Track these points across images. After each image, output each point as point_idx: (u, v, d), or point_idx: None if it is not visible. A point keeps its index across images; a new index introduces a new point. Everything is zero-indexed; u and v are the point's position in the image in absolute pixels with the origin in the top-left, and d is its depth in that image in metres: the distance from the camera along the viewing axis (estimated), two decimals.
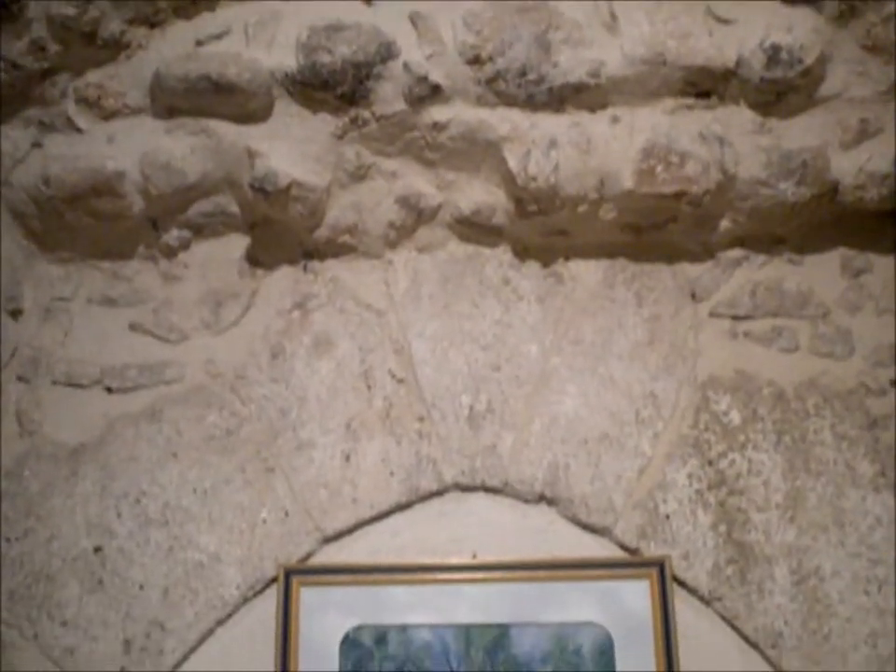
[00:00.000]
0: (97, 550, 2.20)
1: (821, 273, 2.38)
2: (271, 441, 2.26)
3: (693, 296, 2.36)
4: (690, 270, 2.38)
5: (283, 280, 2.38)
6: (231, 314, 2.35)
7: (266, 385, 2.30)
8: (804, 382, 2.30)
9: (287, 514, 2.21)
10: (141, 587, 2.18)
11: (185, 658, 2.15)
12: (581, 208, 2.26)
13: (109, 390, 2.31)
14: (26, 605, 2.16)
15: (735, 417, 2.27)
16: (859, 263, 2.38)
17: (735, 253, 2.38)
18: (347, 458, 2.24)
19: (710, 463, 2.24)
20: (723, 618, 2.16)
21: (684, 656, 2.12)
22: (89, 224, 2.34)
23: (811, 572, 2.17)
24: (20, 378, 2.33)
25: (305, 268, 2.38)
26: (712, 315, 2.35)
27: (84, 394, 2.32)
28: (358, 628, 2.14)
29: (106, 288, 2.38)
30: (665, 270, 2.37)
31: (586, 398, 2.28)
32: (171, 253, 2.38)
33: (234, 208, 2.34)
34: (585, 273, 2.37)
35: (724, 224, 2.33)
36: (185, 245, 2.39)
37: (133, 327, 2.36)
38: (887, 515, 2.20)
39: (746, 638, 2.15)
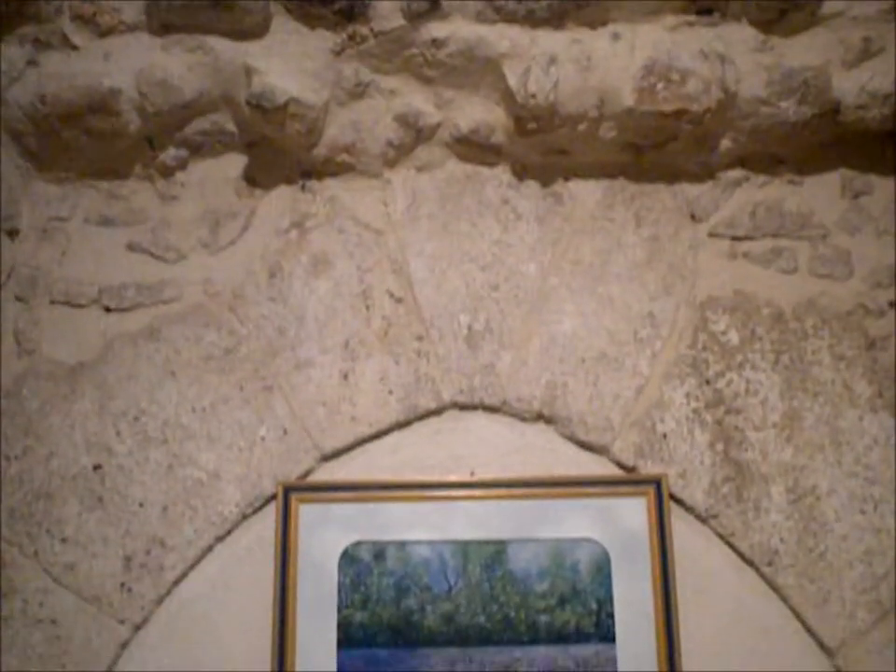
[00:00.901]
0: (96, 468, 2.15)
1: (821, 193, 2.32)
2: (269, 359, 2.20)
3: (693, 216, 2.29)
4: (689, 190, 2.31)
5: (280, 199, 2.31)
6: (229, 233, 2.28)
7: (264, 304, 2.23)
8: (802, 302, 2.24)
9: (285, 432, 2.16)
10: (140, 504, 2.13)
11: (184, 574, 2.12)
12: (581, 126, 2.19)
13: (107, 309, 2.25)
14: (26, 522, 2.12)
15: (734, 337, 2.21)
16: (859, 184, 2.32)
17: (735, 173, 2.31)
18: (346, 377, 2.19)
19: (708, 382, 2.18)
20: (719, 535, 2.12)
21: (680, 573, 2.09)
22: (85, 143, 2.26)
23: (807, 491, 2.13)
24: (17, 298, 2.26)
25: (303, 187, 2.31)
26: (711, 235, 2.28)
27: (82, 313, 2.25)
28: (357, 544, 2.09)
29: (103, 208, 2.31)
30: (664, 190, 2.30)
31: (584, 317, 2.22)
32: (168, 172, 2.31)
33: (231, 127, 2.27)
34: (584, 193, 2.30)
35: (725, 144, 2.26)
36: (182, 165, 2.31)
37: (131, 246, 2.29)
38: (884, 435, 2.16)
39: (741, 556, 2.11)
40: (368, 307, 2.23)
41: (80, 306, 2.26)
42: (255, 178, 2.31)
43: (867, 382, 2.19)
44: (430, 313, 2.22)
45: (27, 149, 2.29)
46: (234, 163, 2.31)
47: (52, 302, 2.26)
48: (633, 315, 2.23)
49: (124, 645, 2.08)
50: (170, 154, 2.29)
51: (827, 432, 2.16)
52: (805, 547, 2.10)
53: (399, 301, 2.23)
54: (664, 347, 2.21)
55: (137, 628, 2.09)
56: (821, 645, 2.07)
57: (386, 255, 2.26)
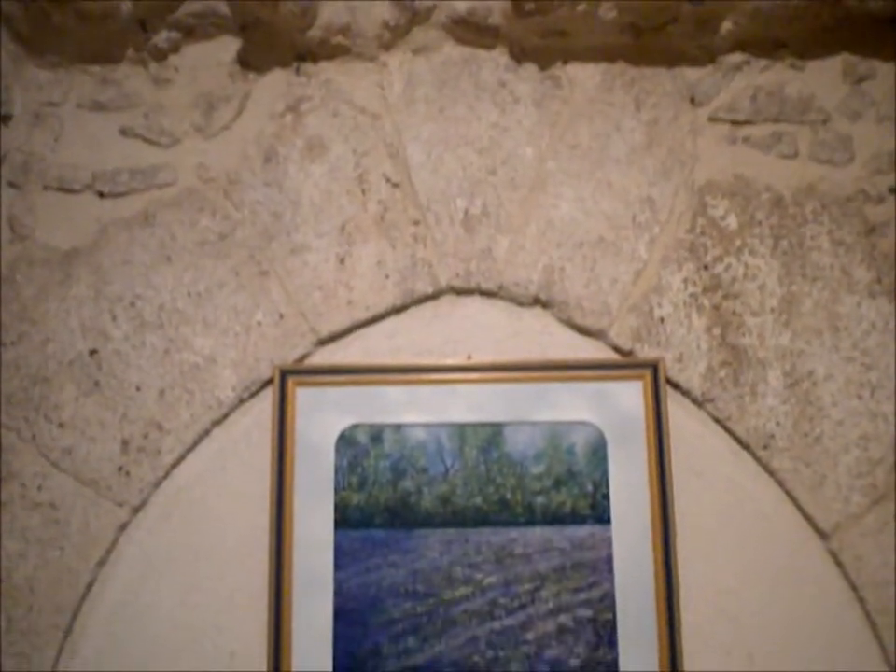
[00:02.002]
0: (93, 353, 2.08)
1: (823, 78, 2.22)
2: (264, 244, 2.12)
3: (693, 100, 2.19)
4: (690, 74, 2.21)
5: (275, 83, 2.21)
6: (223, 117, 2.18)
7: (259, 188, 2.14)
8: (802, 188, 2.15)
9: (281, 317, 2.09)
10: (137, 389, 2.06)
11: (182, 458, 2.06)
12: (580, 7, 2.09)
13: (101, 195, 2.16)
14: (23, 407, 2.05)
15: (732, 222, 2.12)
16: (861, 69, 2.21)
17: (736, 57, 2.21)
18: (342, 261, 2.10)
19: (706, 267, 2.10)
20: (716, 419, 2.06)
21: (676, 456, 2.03)
22: (76, 26, 2.16)
23: (804, 375, 2.05)
24: (10, 184, 2.17)
25: (298, 70, 2.20)
26: (711, 119, 2.19)
27: (76, 199, 2.16)
28: (354, 427, 2.03)
29: (96, 93, 2.21)
30: (664, 74, 2.20)
31: (582, 202, 2.13)
32: (160, 56, 2.20)
33: (224, 8, 2.17)
34: (583, 76, 2.20)
35: (726, 26, 2.16)
36: (175, 48, 2.20)
37: (124, 131, 2.19)
38: (882, 321, 2.09)
39: (737, 439, 2.05)
40: (364, 191, 2.14)
41: (74, 192, 2.17)
42: (249, 61, 2.20)
43: (866, 267, 2.11)
44: (427, 197, 2.13)
45: (18, 34, 2.18)
46: (228, 46, 2.21)
47: (46, 188, 2.17)
48: (631, 200, 2.14)
49: (122, 528, 2.03)
50: (162, 37, 2.19)
51: (825, 317, 2.09)
52: (801, 431, 2.04)
53: (395, 185, 2.14)
54: (662, 232, 2.13)
55: (135, 511, 2.04)
56: (816, 528, 2.02)
57: (382, 139, 2.17)
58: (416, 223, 2.13)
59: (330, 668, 1.95)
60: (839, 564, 2.00)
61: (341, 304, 2.10)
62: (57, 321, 2.10)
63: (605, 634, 1.96)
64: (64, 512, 2.01)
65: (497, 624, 1.97)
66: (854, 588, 1.99)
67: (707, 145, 2.18)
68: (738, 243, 2.12)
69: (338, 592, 1.98)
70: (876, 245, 2.12)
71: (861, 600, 1.99)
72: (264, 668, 1.95)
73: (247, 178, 2.15)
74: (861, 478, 2.02)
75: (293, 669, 1.95)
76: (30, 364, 2.08)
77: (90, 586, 2.00)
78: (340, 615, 1.97)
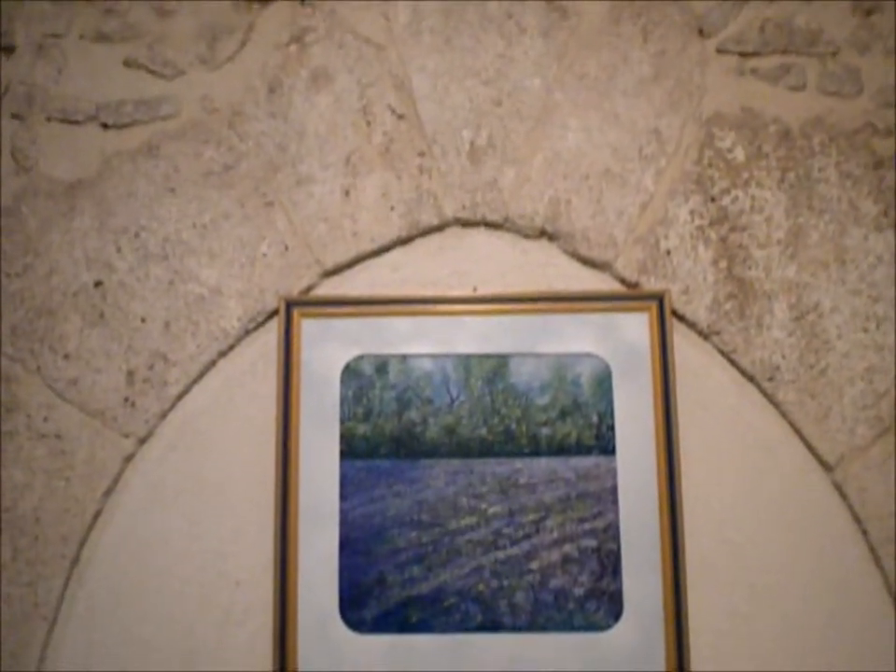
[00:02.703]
0: (97, 284, 2.03)
1: (832, 10, 2.16)
2: (269, 176, 2.07)
3: (701, 32, 2.13)
4: (697, 5, 2.15)
5: (279, 13, 2.15)
6: (227, 48, 2.13)
7: (264, 120, 2.09)
8: (810, 120, 2.09)
9: (286, 248, 2.04)
10: (143, 320, 2.02)
11: (188, 389, 2.02)
12: None
13: (105, 126, 2.11)
14: (28, 339, 2.02)
15: (740, 154, 2.07)
16: (870, 2, 2.15)
17: None
18: (347, 193, 2.05)
19: (713, 199, 2.05)
20: (721, 352, 2.02)
21: (681, 388, 2.00)
22: None
23: (810, 308, 2.01)
24: (14, 115, 2.12)
25: (302, 1, 2.13)
26: (719, 51, 2.13)
27: (79, 130, 2.11)
28: (359, 358, 1.99)
29: (99, 24, 2.15)
30: (672, 5, 2.15)
31: (589, 133, 2.08)
32: None
33: None
34: (590, 7, 2.15)
35: None
36: None
37: (128, 62, 2.13)
38: (888, 253, 2.04)
39: (743, 371, 2.01)
40: (369, 123, 2.08)
41: (77, 123, 2.11)
42: None
43: (873, 200, 2.07)
44: (432, 128, 2.08)
45: None
46: None
47: (49, 120, 2.12)
48: (638, 132, 2.08)
49: (128, 458, 2.00)
50: None
51: (831, 250, 2.04)
52: (807, 364, 2.00)
53: (400, 116, 2.08)
54: (669, 164, 2.07)
55: (141, 442, 2.00)
56: (820, 460, 1.99)
57: (388, 70, 2.11)
58: (422, 154, 2.07)
59: (336, 597, 1.92)
60: (843, 496, 1.97)
61: (346, 236, 2.05)
62: (61, 253, 2.05)
63: (609, 563, 1.93)
64: (70, 443, 1.98)
65: (501, 554, 1.94)
66: (857, 520, 1.96)
67: (714, 76, 2.12)
68: (745, 175, 2.07)
69: (343, 521, 1.95)
70: (884, 177, 2.07)
71: (865, 532, 1.96)
72: (270, 597, 1.93)
73: (252, 110, 2.10)
74: (865, 410, 1.98)
75: (299, 598, 1.92)
76: (34, 296, 2.04)
77: (96, 516, 1.97)
78: (345, 545, 1.94)
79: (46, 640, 1.92)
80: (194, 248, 2.05)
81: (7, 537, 1.94)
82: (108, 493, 1.98)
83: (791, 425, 1.99)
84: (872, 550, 1.95)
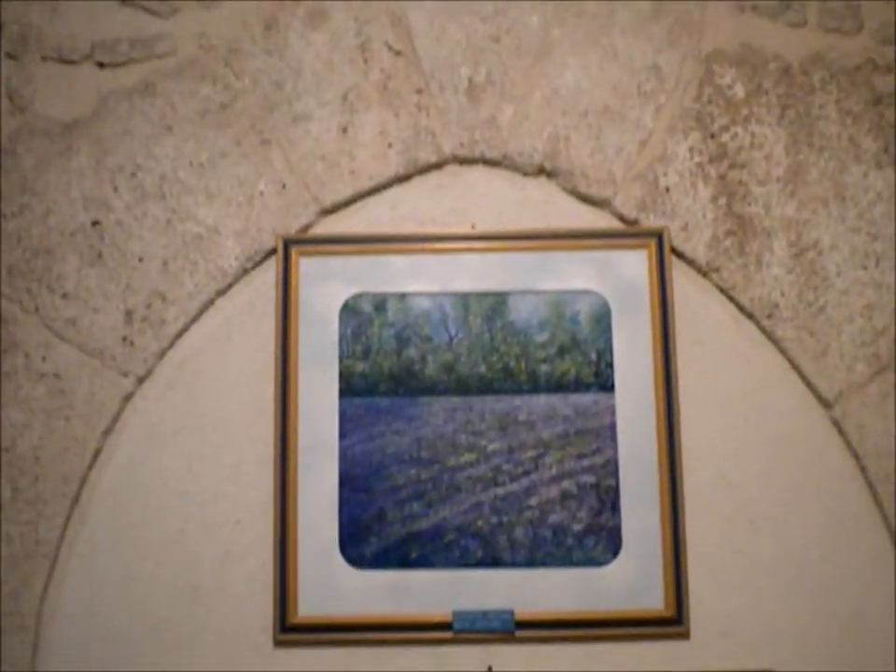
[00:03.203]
0: (95, 224, 2.00)
1: None
2: (266, 114, 2.03)
3: None
4: None
5: None
6: None
7: (260, 57, 2.05)
8: (810, 56, 2.06)
9: (284, 187, 2.01)
10: (140, 259, 1.99)
11: (186, 328, 2.00)
12: None
13: (101, 65, 2.07)
14: (26, 279, 1.99)
15: (739, 91, 2.04)
16: None
17: None
18: (344, 131, 2.02)
19: (712, 136, 2.02)
20: (720, 289, 2.00)
21: (680, 325, 1.98)
22: None
23: (810, 245, 1.98)
24: (9, 55, 2.08)
25: None
26: None
27: (75, 69, 2.07)
28: (358, 296, 1.96)
29: None
30: None
31: (588, 70, 2.04)
32: None
33: None
34: None
35: None
36: None
37: (123, 0, 2.07)
38: (888, 191, 2.02)
39: (741, 308, 1.99)
40: (366, 60, 2.05)
41: (73, 62, 2.07)
42: None
43: (873, 137, 2.03)
44: (430, 65, 2.05)
45: None
46: None
47: (44, 59, 2.08)
48: (637, 68, 2.05)
49: (128, 397, 1.98)
50: None
51: (831, 187, 2.01)
52: (806, 301, 1.97)
53: (398, 53, 2.04)
54: (668, 101, 2.04)
55: (140, 381, 1.98)
56: (819, 397, 1.97)
57: (385, 7, 2.07)
58: (419, 92, 2.04)
59: (336, 534, 1.91)
60: (841, 432, 1.95)
61: (343, 174, 2.02)
62: (58, 192, 2.02)
63: (608, 499, 1.91)
64: (69, 383, 1.96)
65: (501, 490, 1.92)
66: (856, 456, 1.94)
67: (714, 12, 2.08)
68: (745, 112, 2.04)
69: (343, 459, 1.93)
70: (884, 114, 2.04)
71: (863, 468, 1.94)
72: (270, 535, 1.91)
73: (248, 47, 2.06)
74: (864, 347, 1.96)
75: (299, 535, 1.90)
76: (32, 236, 2.01)
77: (96, 455, 1.95)
78: (345, 482, 1.92)
79: (47, 579, 1.90)
80: (191, 187, 2.02)
81: (8, 476, 1.92)
82: (108, 432, 1.96)
83: (790, 362, 1.97)
84: (870, 486, 1.93)
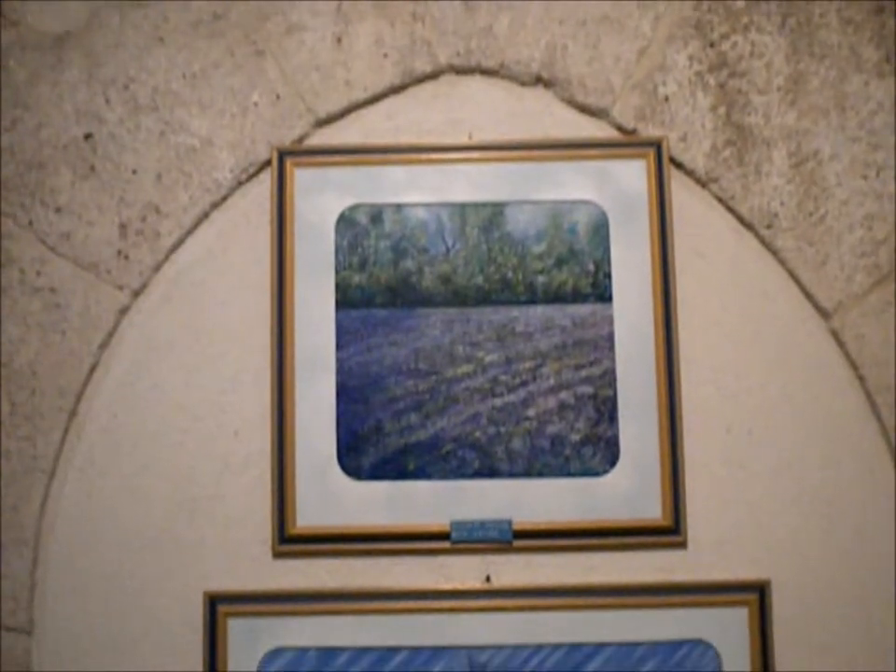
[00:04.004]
0: (87, 137, 1.95)
1: None
2: (259, 24, 1.98)
3: None
4: None
5: None
6: None
7: None
8: None
9: (278, 98, 1.96)
10: (134, 172, 1.94)
11: (181, 241, 1.95)
12: None
13: None
14: (19, 193, 1.94)
15: None
16: None
17: None
18: (339, 41, 1.97)
19: (712, 45, 1.96)
20: (719, 199, 1.95)
21: (678, 236, 1.93)
22: None
23: (810, 155, 1.93)
24: None
25: None
26: None
27: None
28: (354, 207, 1.92)
29: None
30: None
31: None
32: None
33: None
34: None
35: None
36: None
37: None
38: (889, 101, 1.96)
39: (740, 219, 1.95)
40: None
41: None
42: None
43: (875, 46, 1.98)
44: None
45: None
46: None
47: None
48: None
49: (123, 311, 1.94)
50: None
51: (832, 96, 1.96)
52: (805, 211, 1.92)
53: None
54: (667, 9, 1.99)
55: (136, 294, 1.94)
56: (818, 307, 1.93)
57: None
58: (415, 0, 1.97)
59: (334, 445, 1.87)
60: (840, 343, 1.91)
61: (338, 85, 1.97)
62: (50, 105, 1.97)
63: (605, 410, 1.88)
64: (65, 297, 1.92)
65: (498, 401, 1.88)
66: (854, 367, 1.91)
67: None
68: (745, 20, 1.98)
69: (340, 371, 1.89)
70: (885, 23, 1.98)
71: (861, 378, 1.90)
72: (268, 446, 1.87)
73: None
74: (864, 258, 1.92)
75: (296, 447, 1.87)
76: (24, 149, 1.95)
77: (92, 369, 1.92)
78: (342, 393, 1.88)
79: (45, 493, 1.88)
80: (185, 99, 1.96)
81: (5, 391, 1.88)
82: (104, 346, 1.92)
83: (789, 272, 1.93)
84: (868, 396, 1.90)
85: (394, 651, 1.83)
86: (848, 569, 1.87)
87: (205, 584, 1.86)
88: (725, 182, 1.94)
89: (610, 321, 1.90)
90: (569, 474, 1.87)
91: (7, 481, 1.86)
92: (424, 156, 1.94)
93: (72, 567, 1.88)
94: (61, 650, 1.86)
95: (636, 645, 1.83)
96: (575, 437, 1.88)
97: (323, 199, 1.93)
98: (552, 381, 1.89)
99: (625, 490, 1.87)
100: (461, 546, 1.86)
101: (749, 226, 1.94)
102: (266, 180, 1.95)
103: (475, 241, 1.92)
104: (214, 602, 1.84)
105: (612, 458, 1.87)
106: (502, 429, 1.88)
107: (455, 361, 1.89)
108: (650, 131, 1.95)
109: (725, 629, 1.83)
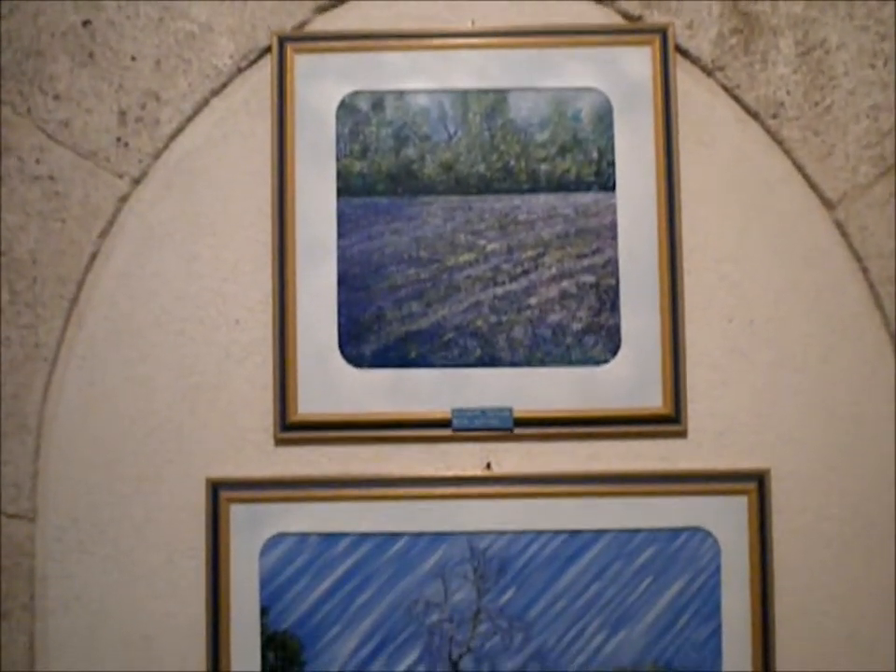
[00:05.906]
0: (85, 23, 1.89)
1: None
2: None
3: None
4: None
5: None
6: None
7: None
8: None
9: None
10: (133, 59, 1.87)
11: (181, 128, 1.89)
12: None
13: None
14: (17, 81, 1.88)
15: None
16: None
17: None
18: None
19: None
20: (724, 88, 1.88)
21: (683, 124, 1.87)
22: None
23: (817, 44, 1.86)
24: None
25: None
26: None
27: None
28: (355, 94, 1.85)
29: None
30: None
31: None
32: None
33: None
34: None
35: None
36: None
37: None
38: None
39: (746, 108, 1.88)
40: None
41: None
42: None
43: None
44: None
45: None
46: None
47: None
48: None
49: (123, 199, 1.88)
50: None
51: None
52: (812, 100, 1.85)
53: None
54: None
55: (136, 182, 1.88)
56: (822, 198, 1.87)
57: None
58: None
59: (335, 333, 1.83)
60: (844, 234, 1.85)
61: None
62: None
63: (608, 299, 1.82)
64: (64, 185, 1.86)
65: (500, 290, 1.83)
66: (858, 258, 1.85)
67: None
68: None
69: (341, 259, 1.83)
70: None
71: (865, 270, 1.85)
72: (269, 334, 1.83)
73: None
74: (869, 148, 1.85)
75: (298, 335, 1.82)
76: (22, 37, 1.88)
77: (93, 257, 1.86)
78: (343, 281, 1.83)
79: (47, 381, 1.84)
80: None
81: (5, 280, 1.83)
82: (104, 234, 1.86)
83: (794, 162, 1.87)
84: (871, 287, 1.84)
85: (395, 536, 1.80)
86: (848, 460, 1.83)
87: (208, 471, 1.82)
88: (731, 71, 1.87)
89: (613, 210, 1.84)
90: (570, 363, 1.82)
91: (9, 369, 1.82)
92: (425, 42, 1.86)
93: (74, 455, 1.84)
94: (63, 536, 1.83)
95: (635, 532, 1.79)
96: (576, 325, 1.82)
97: (324, 85, 1.86)
98: (554, 270, 1.83)
99: (626, 379, 1.82)
100: (462, 433, 1.82)
101: (754, 115, 1.87)
102: (266, 67, 1.88)
103: (478, 128, 1.85)
104: (216, 488, 1.80)
105: (614, 347, 1.82)
106: (504, 318, 1.82)
107: (457, 250, 1.83)
108: (655, 17, 1.87)
109: (724, 518, 1.79)
